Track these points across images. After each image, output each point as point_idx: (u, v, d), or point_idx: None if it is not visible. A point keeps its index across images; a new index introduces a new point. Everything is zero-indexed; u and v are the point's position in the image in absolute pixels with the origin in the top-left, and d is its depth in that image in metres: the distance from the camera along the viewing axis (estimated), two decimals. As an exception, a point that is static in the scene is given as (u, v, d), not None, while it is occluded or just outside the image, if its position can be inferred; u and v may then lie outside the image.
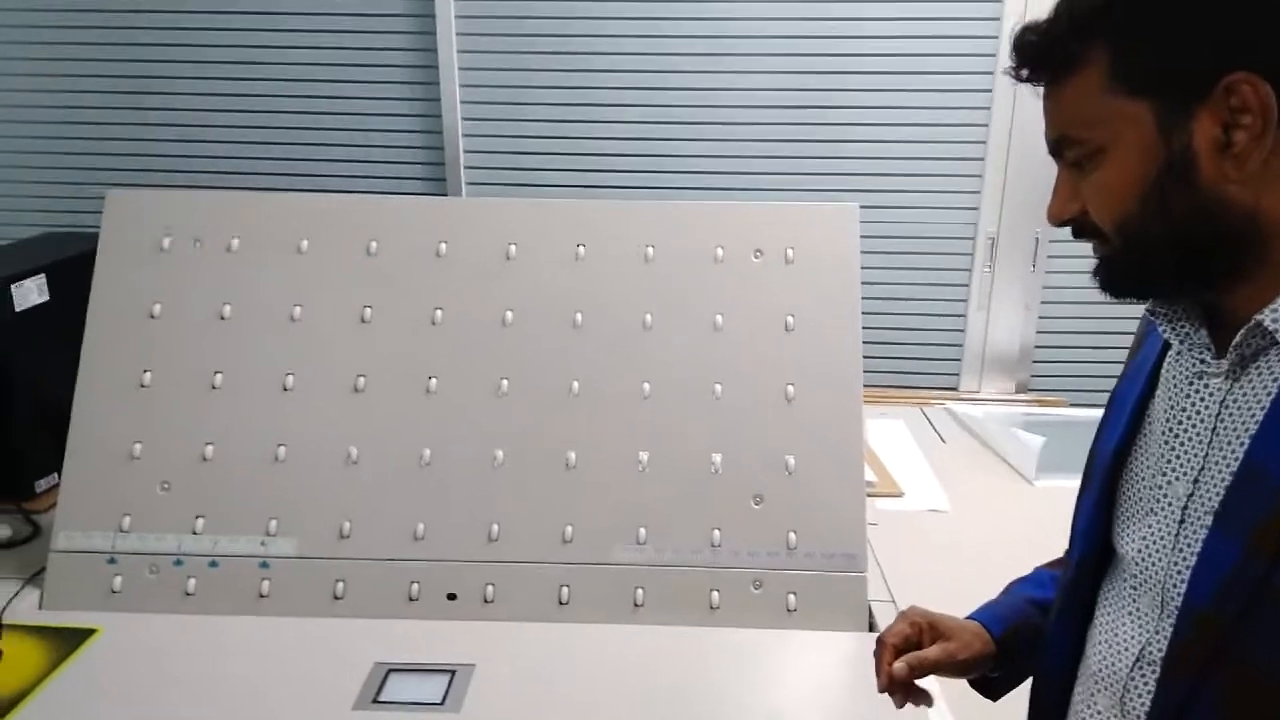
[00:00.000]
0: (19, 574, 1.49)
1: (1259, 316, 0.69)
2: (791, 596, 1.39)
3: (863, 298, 1.50)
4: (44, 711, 1.22)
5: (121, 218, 1.56)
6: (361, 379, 1.49)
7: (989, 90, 2.21)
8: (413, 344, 1.50)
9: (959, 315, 2.34)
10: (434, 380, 1.49)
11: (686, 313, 1.50)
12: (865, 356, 1.49)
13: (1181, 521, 0.74)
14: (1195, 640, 0.70)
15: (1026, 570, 1.04)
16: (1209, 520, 0.71)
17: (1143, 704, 0.75)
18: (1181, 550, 0.73)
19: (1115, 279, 0.76)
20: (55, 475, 1.60)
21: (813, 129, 2.27)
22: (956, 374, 2.37)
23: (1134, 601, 0.78)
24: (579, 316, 1.50)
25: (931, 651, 0.91)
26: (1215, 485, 0.71)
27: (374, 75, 2.33)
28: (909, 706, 0.94)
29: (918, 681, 0.92)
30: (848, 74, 2.23)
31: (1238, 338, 0.71)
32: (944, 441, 2.06)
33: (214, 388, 1.49)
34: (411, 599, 1.41)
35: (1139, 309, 0.82)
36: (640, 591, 1.40)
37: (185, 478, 1.46)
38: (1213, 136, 0.67)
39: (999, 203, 2.26)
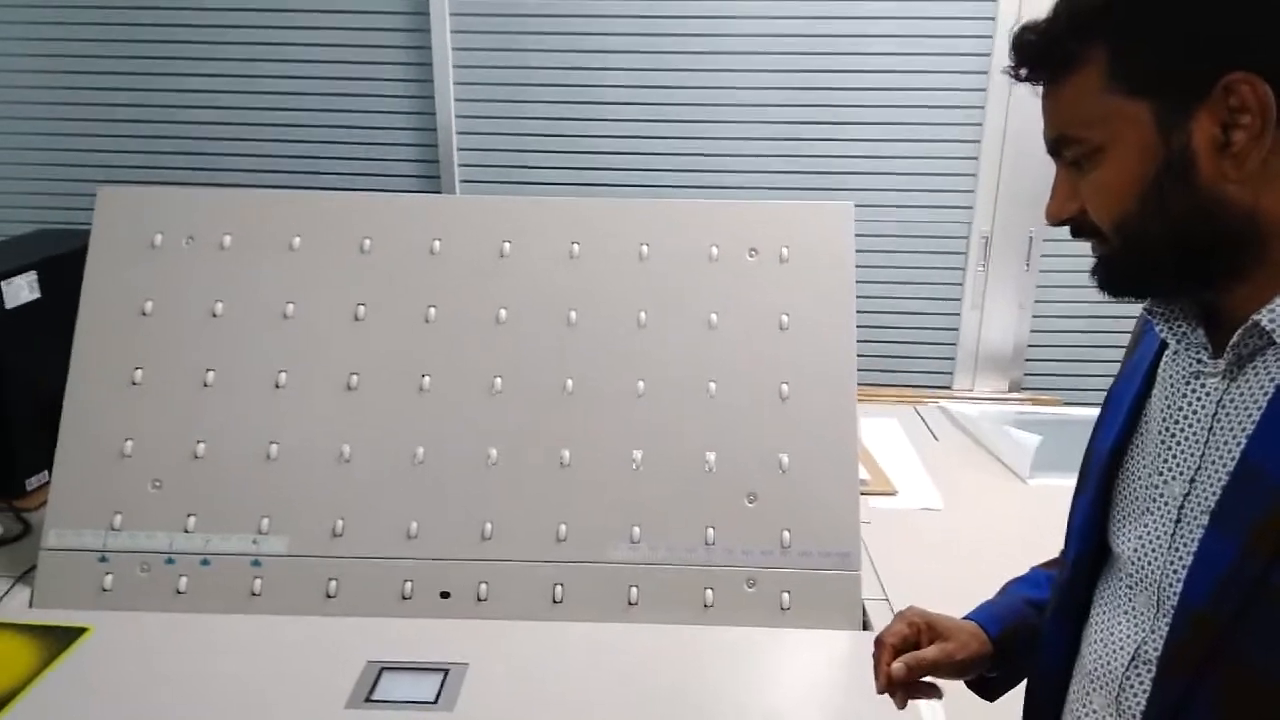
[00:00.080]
0: (9, 572, 1.48)
1: (1256, 316, 0.69)
2: (785, 595, 1.39)
3: (857, 296, 1.50)
4: (35, 710, 1.21)
5: (113, 215, 1.55)
6: (355, 377, 1.48)
7: (983, 90, 2.21)
8: (406, 342, 1.50)
9: (953, 314, 2.35)
10: (427, 378, 1.48)
11: (681, 311, 1.50)
12: (859, 355, 1.49)
13: (1178, 521, 0.74)
14: (1191, 640, 0.70)
15: (1020, 568, 1.04)
16: (1205, 520, 0.71)
17: (1138, 703, 0.75)
18: (1178, 550, 0.74)
19: (1113, 278, 0.75)
20: (46, 473, 1.59)
21: (807, 128, 2.27)
22: (950, 373, 2.38)
23: (1130, 601, 0.78)
24: (573, 315, 1.50)
25: (929, 652, 0.91)
26: (1212, 485, 0.71)
27: (368, 72, 2.32)
28: (906, 706, 0.94)
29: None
30: (843, 73, 2.23)
31: (1235, 338, 0.71)
32: (937, 440, 2.07)
33: (206, 385, 1.48)
34: (404, 597, 1.40)
35: (1132, 308, 0.82)
36: (634, 590, 1.40)
37: (177, 476, 1.45)
38: (1211, 136, 0.67)
39: (993, 202, 2.26)
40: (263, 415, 1.47)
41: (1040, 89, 0.75)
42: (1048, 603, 0.91)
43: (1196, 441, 0.73)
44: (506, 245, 1.53)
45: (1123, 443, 0.81)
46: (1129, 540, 0.79)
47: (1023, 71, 0.75)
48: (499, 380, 1.48)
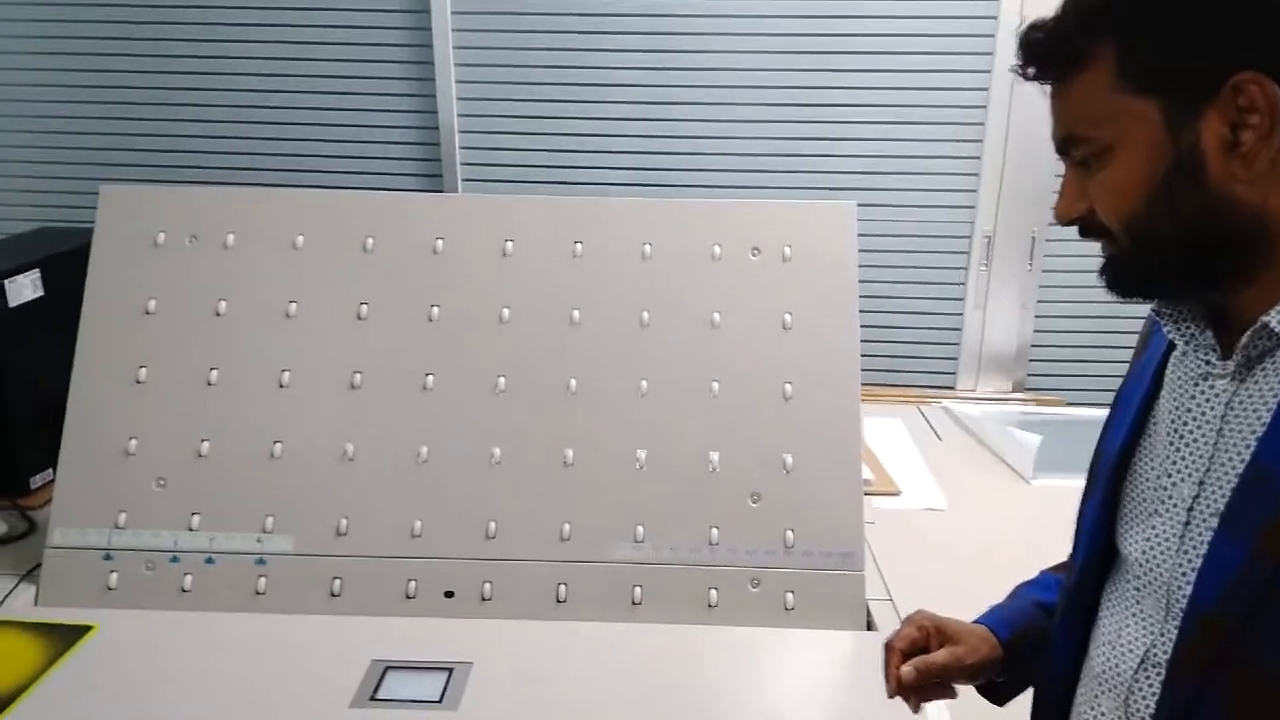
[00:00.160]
0: (14, 570, 1.48)
1: (1265, 318, 0.69)
2: (789, 595, 1.39)
3: (860, 296, 1.50)
4: (40, 708, 1.21)
5: (116, 213, 1.55)
6: (358, 376, 1.49)
7: (985, 89, 2.21)
8: (409, 341, 1.50)
9: (956, 314, 2.35)
10: (431, 377, 1.48)
11: (684, 311, 1.50)
12: (862, 355, 1.49)
13: (1187, 523, 0.74)
14: (1201, 642, 0.70)
15: (1025, 569, 1.03)
16: (1215, 522, 0.71)
17: (1147, 706, 0.75)
18: (1186, 552, 0.73)
19: (1122, 278, 0.75)
20: (50, 471, 1.59)
21: (810, 127, 2.27)
22: (953, 373, 2.38)
23: (1138, 603, 0.78)
24: (576, 314, 1.50)
25: (939, 655, 0.91)
26: (1221, 487, 0.71)
27: (370, 70, 2.32)
28: (906, 708, 0.93)
29: None
30: (845, 72, 2.23)
31: (1244, 339, 0.71)
32: (941, 440, 2.07)
33: (210, 384, 1.48)
34: (409, 596, 1.40)
35: (1136, 308, 0.82)
36: (638, 590, 1.40)
37: (181, 474, 1.45)
38: (1220, 136, 0.67)
39: (995, 201, 2.26)
40: (266, 414, 1.47)
41: (1048, 88, 0.75)
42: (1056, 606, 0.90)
43: (1205, 443, 0.73)
44: (509, 244, 1.53)
45: (1131, 445, 0.81)
46: (1137, 542, 0.79)
47: (1030, 70, 0.75)
48: (502, 380, 1.48)
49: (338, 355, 1.49)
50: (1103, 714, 0.80)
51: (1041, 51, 0.74)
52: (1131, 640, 0.78)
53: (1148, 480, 0.79)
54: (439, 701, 1.22)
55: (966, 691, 0.98)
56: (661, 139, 2.30)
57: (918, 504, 1.79)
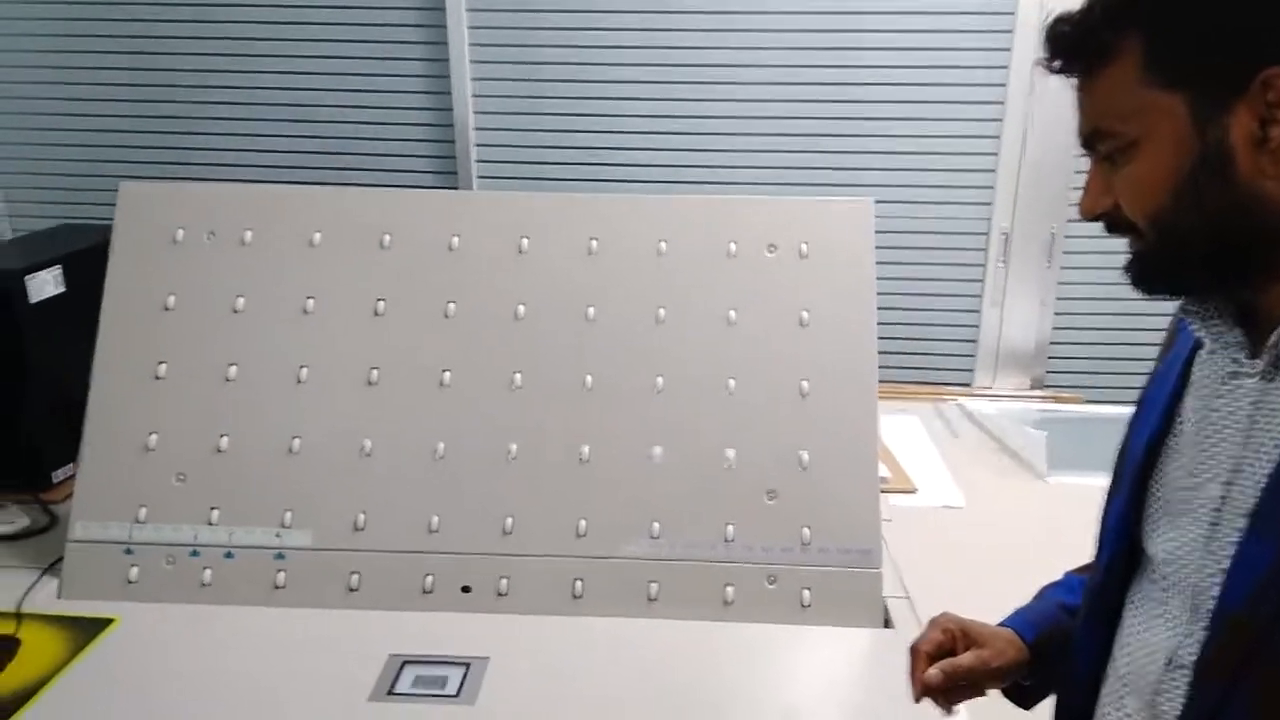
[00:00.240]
0: (37, 564, 1.49)
1: None
2: (806, 592, 1.39)
3: (877, 293, 1.49)
4: (62, 699, 1.23)
5: (135, 210, 1.57)
6: (375, 372, 1.49)
7: (1003, 85, 2.19)
8: (426, 337, 1.50)
9: (973, 311, 2.33)
10: (447, 374, 1.49)
11: (699, 308, 1.50)
12: (879, 351, 1.48)
13: (1214, 523, 0.73)
14: (1229, 644, 0.69)
15: (1042, 567, 1.03)
16: (1243, 522, 0.70)
17: (1174, 707, 0.74)
18: (1214, 552, 0.73)
19: (1148, 275, 0.74)
20: (72, 466, 1.60)
21: (827, 124, 2.26)
22: (971, 370, 2.36)
23: (1164, 604, 0.77)
24: (592, 311, 1.50)
25: (965, 658, 0.90)
26: (1250, 487, 0.70)
27: (385, 69, 2.33)
28: (923, 707, 0.93)
29: None
30: (862, 68, 2.22)
31: (1273, 338, 0.70)
32: (957, 437, 2.06)
33: (228, 380, 1.49)
34: (426, 591, 1.41)
35: (1155, 306, 0.80)
36: (654, 586, 1.40)
37: (200, 469, 1.46)
38: (1249, 131, 0.66)
39: (1013, 198, 2.24)
40: (284, 409, 1.48)
41: (1074, 82, 0.74)
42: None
43: (1234, 443, 0.72)
44: (525, 241, 1.53)
45: (1157, 444, 0.80)
46: (1164, 543, 0.78)
47: (1056, 63, 0.74)
48: (518, 376, 1.48)
49: (355, 351, 1.50)
50: (1128, 715, 0.80)
51: (1067, 45, 0.73)
52: (1157, 641, 0.77)
53: (1174, 480, 0.78)
54: (456, 696, 1.23)
55: (989, 693, 0.98)
56: (677, 135, 2.29)
57: (935, 501, 1.78)
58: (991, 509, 1.77)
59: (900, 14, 2.18)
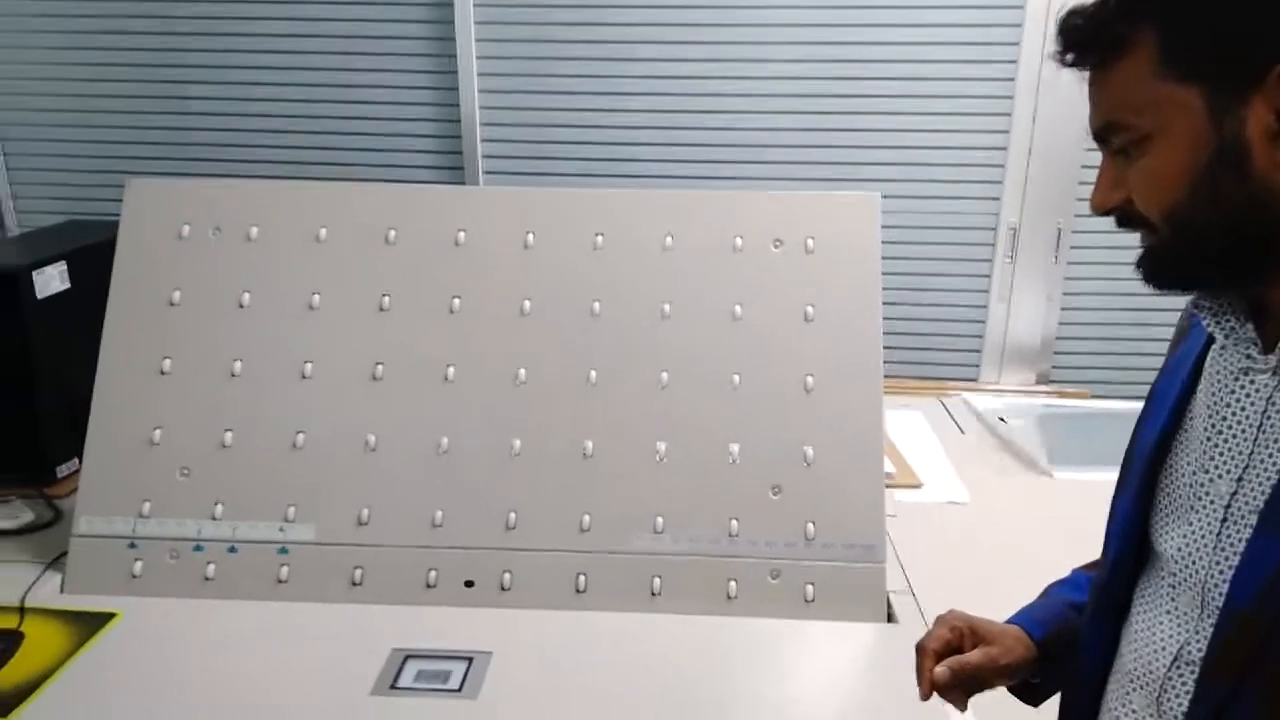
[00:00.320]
0: (41, 558, 1.50)
1: None
2: (810, 587, 1.39)
3: (883, 287, 1.49)
4: (65, 693, 1.23)
5: (141, 206, 1.57)
6: (380, 367, 1.49)
7: (1011, 79, 2.18)
8: (431, 332, 1.50)
9: (980, 306, 2.32)
10: (452, 369, 1.49)
11: (705, 302, 1.49)
12: (885, 346, 1.47)
13: (1224, 520, 0.72)
14: (1237, 641, 0.69)
15: (1047, 562, 1.02)
16: (1253, 519, 0.69)
17: (1180, 704, 0.74)
18: (1223, 549, 0.72)
19: (1160, 270, 0.73)
20: (76, 461, 1.61)
21: (833, 118, 2.25)
22: (976, 365, 2.36)
23: (1172, 601, 0.77)
24: (597, 305, 1.50)
25: (973, 656, 0.89)
26: (1261, 484, 0.70)
27: (391, 64, 2.33)
28: (927, 702, 0.92)
29: None
30: (869, 62, 2.21)
31: None
32: (963, 433, 2.05)
33: (233, 375, 1.49)
34: (429, 586, 1.41)
35: (1162, 302, 0.80)
36: (657, 580, 1.40)
37: (205, 464, 1.47)
38: (1266, 125, 0.65)
39: (1021, 193, 2.24)
40: (289, 405, 1.48)
41: (1086, 75, 0.73)
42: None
43: (1245, 439, 0.72)
44: (530, 236, 1.53)
45: (1167, 440, 0.79)
46: (1173, 539, 0.77)
47: (1069, 56, 0.73)
48: (523, 371, 1.48)
49: (360, 346, 1.50)
50: (1134, 711, 0.79)
51: (1081, 37, 0.72)
52: (1165, 637, 0.77)
53: (1184, 476, 0.77)
54: (459, 690, 1.23)
55: (995, 690, 0.97)
56: (681, 130, 2.29)
57: (939, 497, 1.77)
58: (996, 505, 1.76)
59: (908, 8, 2.17)
